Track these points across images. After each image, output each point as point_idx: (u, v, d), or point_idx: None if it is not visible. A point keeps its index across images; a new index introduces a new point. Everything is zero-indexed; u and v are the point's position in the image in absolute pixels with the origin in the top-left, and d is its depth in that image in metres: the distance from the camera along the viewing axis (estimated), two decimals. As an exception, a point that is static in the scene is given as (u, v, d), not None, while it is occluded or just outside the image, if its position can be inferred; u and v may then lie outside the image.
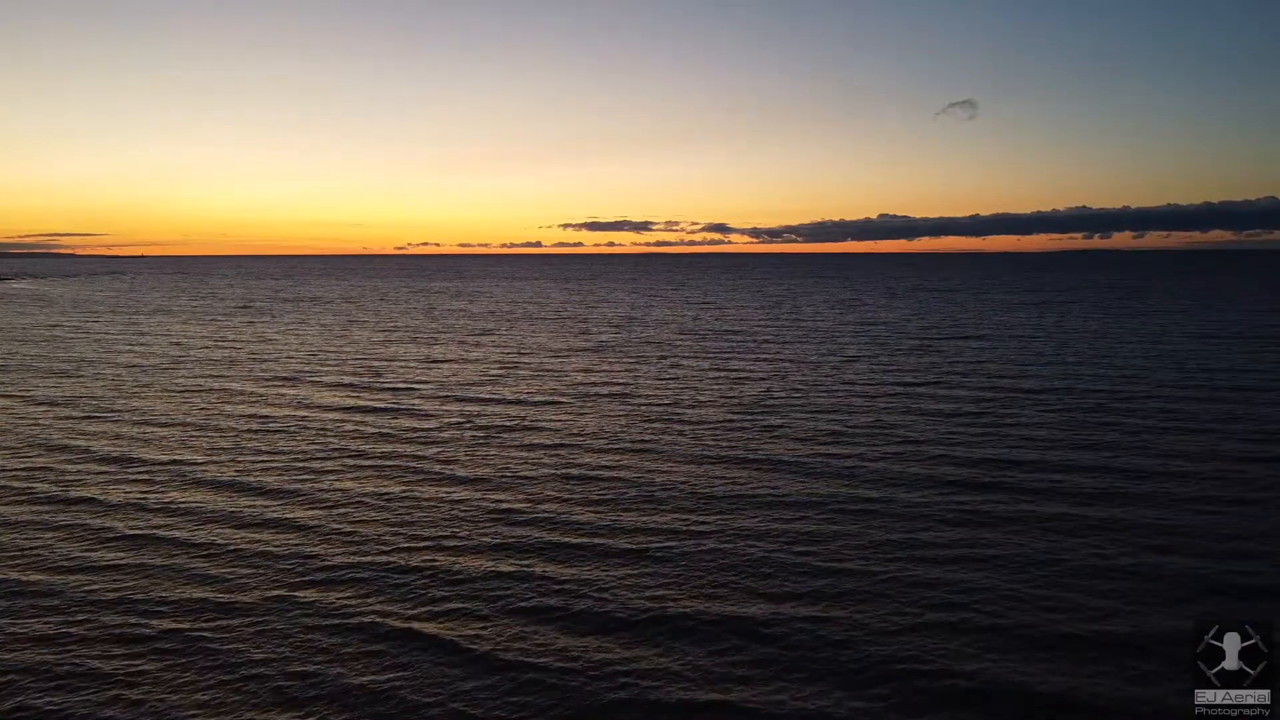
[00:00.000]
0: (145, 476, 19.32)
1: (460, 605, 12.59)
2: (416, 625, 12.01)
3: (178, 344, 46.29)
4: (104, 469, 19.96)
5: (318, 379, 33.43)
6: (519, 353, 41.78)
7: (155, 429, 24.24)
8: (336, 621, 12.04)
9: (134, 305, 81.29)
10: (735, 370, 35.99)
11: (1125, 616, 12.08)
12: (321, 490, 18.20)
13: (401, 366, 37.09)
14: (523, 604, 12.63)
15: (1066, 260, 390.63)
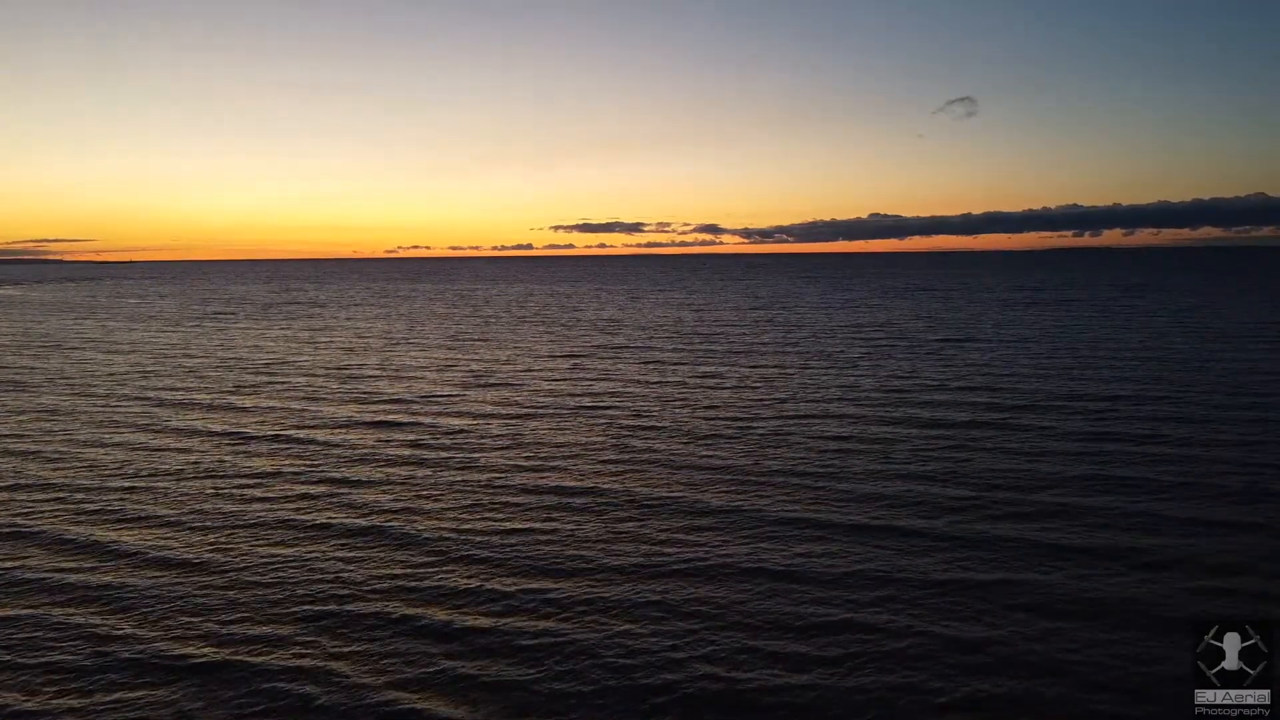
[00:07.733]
0: (70, 494, 18.47)
1: (414, 645, 12.09)
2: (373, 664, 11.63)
3: (145, 352, 45.27)
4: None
5: (279, 391, 32.13)
6: (496, 361, 40.42)
7: (90, 446, 22.96)
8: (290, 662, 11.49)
9: (112, 312, 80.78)
10: (728, 376, 35.69)
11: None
12: (261, 517, 16.90)
13: (370, 376, 35.81)
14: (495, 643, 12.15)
15: (1058, 258, 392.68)
